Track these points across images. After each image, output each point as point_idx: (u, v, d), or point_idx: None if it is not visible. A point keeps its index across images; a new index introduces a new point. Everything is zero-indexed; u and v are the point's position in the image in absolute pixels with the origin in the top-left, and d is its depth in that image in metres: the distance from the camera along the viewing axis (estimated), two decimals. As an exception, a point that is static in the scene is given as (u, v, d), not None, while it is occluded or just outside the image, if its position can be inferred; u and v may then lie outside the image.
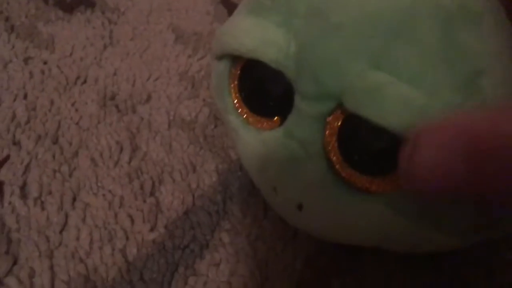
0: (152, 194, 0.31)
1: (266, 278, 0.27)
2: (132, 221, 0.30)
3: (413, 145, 0.15)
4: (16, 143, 0.34)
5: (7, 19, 0.43)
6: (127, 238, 0.29)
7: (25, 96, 0.37)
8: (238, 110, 0.24)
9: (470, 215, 0.19)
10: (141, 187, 0.31)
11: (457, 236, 0.20)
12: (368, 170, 0.20)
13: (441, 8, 0.18)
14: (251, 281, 0.27)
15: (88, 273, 0.27)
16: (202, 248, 0.29)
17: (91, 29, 0.43)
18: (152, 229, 0.29)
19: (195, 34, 0.42)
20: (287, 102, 0.21)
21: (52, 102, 0.36)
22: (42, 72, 0.39)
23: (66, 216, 0.30)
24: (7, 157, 0.33)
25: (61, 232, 0.29)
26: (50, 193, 0.31)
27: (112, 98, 0.37)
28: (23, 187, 0.31)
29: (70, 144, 0.34)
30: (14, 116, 0.35)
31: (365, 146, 0.19)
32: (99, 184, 0.32)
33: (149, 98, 0.37)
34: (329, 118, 0.20)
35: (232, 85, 0.24)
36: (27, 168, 0.32)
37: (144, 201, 0.31)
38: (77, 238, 0.29)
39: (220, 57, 0.24)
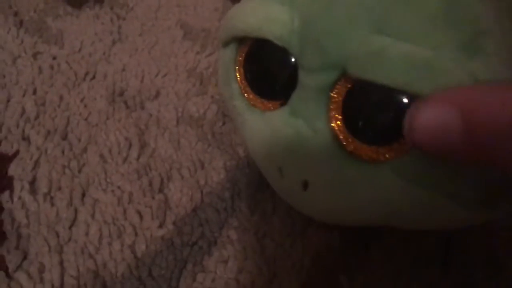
0: (160, 190, 0.31)
1: (274, 275, 0.27)
2: (141, 217, 0.30)
3: (417, 106, 0.16)
4: (25, 139, 0.34)
5: (16, 14, 0.43)
6: (136, 234, 0.29)
7: (34, 92, 0.37)
8: (244, 94, 0.24)
9: (476, 181, 0.19)
10: (150, 184, 0.31)
11: (466, 207, 0.20)
12: (374, 140, 0.20)
13: None
14: (259, 278, 0.27)
15: (97, 268, 0.28)
16: (210, 245, 0.29)
17: (99, 24, 0.43)
18: (160, 226, 0.29)
19: (204, 30, 0.42)
20: (291, 83, 0.21)
21: (61, 98, 0.37)
22: (51, 67, 0.39)
23: (76, 211, 0.30)
24: (17, 152, 0.33)
25: (70, 227, 0.29)
26: (59, 188, 0.31)
27: (121, 94, 0.37)
28: (32, 183, 0.31)
29: (79, 140, 0.34)
30: (23, 112, 0.35)
31: (370, 115, 0.20)
32: (108, 180, 0.32)
33: (157, 94, 0.37)
34: (333, 91, 0.20)
35: (238, 70, 0.24)
36: (36, 163, 0.32)
37: (153, 198, 0.31)
38: (87, 234, 0.29)
39: (227, 43, 0.25)
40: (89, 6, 0.45)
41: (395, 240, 0.28)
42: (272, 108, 0.23)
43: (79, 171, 0.32)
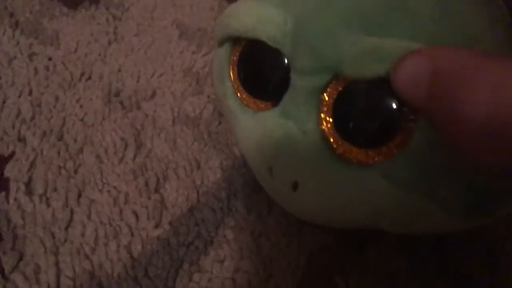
0: (156, 190, 0.31)
1: (270, 274, 0.27)
2: (137, 217, 0.30)
3: (398, 60, 0.17)
4: (21, 140, 0.34)
5: (11, 15, 0.43)
6: (132, 235, 0.29)
7: (30, 93, 0.37)
8: (237, 93, 0.24)
9: (463, 187, 0.19)
10: (146, 184, 0.31)
11: (453, 212, 0.20)
12: (363, 143, 0.20)
13: None
14: (255, 277, 0.27)
15: (94, 269, 0.28)
16: (206, 245, 0.29)
17: (95, 25, 0.43)
18: (157, 226, 0.29)
19: (200, 30, 0.42)
20: (283, 84, 0.21)
21: (57, 99, 0.36)
22: (47, 68, 0.39)
23: (72, 212, 0.30)
24: (12, 154, 0.33)
25: (66, 228, 0.29)
26: (55, 189, 0.31)
27: (117, 94, 0.37)
28: (28, 184, 0.31)
29: (75, 140, 0.34)
30: (19, 113, 0.35)
31: (360, 118, 0.20)
32: (104, 180, 0.32)
33: (153, 94, 0.37)
34: (324, 94, 0.20)
35: (232, 69, 0.25)
36: (32, 164, 0.32)
37: (149, 198, 0.31)
38: (83, 235, 0.29)
39: (222, 43, 0.25)
40: (85, 7, 0.45)
41: (391, 240, 0.28)
42: (264, 108, 0.23)
43: (75, 172, 0.32)
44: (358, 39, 0.19)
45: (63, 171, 0.32)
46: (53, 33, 0.42)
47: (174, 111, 0.36)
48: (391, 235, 0.28)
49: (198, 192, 0.31)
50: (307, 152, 0.21)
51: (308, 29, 0.20)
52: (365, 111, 0.19)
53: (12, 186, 0.31)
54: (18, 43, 0.41)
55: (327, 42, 0.19)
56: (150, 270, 0.28)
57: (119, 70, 0.39)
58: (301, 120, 0.21)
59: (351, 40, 0.19)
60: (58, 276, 0.27)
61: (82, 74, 0.38)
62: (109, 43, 0.41)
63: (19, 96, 0.36)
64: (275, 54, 0.21)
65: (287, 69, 0.21)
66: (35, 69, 0.39)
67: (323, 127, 0.20)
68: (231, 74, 0.25)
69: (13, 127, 0.34)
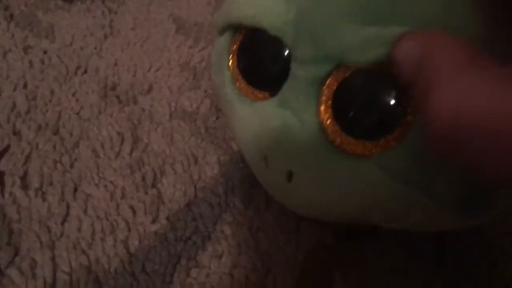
0: (154, 185, 0.31)
1: (268, 270, 0.27)
2: (134, 212, 0.30)
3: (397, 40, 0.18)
4: (16, 133, 0.33)
5: (6, 7, 0.43)
6: (129, 230, 0.29)
7: (25, 86, 0.36)
8: (235, 83, 0.24)
9: (457, 182, 0.19)
10: (143, 179, 0.31)
11: (446, 206, 0.20)
12: (361, 134, 0.20)
13: None
14: (253, 273, 0.27)
15: (90, 264, 0.27)
16: (204, 240, 0.29)
17: (91, 18, 0.42)
18: (154, 221, 0.29)
19: (196, 24, 0.42)
20: (283, 74, 0.21)
21: (52, 92, 0.36)
22: (42, 61, 0.38)
23: (68, 207, 0.30)
24: (8, 147, 0.32)
25: (62, 223, 0.29)
26: (51, 184, 0.31)
27: (113, 88, 0.37)
28: (24, 178, 0.31)
29: (71, 134, 0.34)
30: (14, 106, 0.35)
31: (359, 109, 0.20)
32: (100, 175, 0.31)
33: (150, 89, 0.37)
34: (324, 84, 0.20)
35: (231, 59, 0.24)
36: (27, 158, 0.32)
37: (146, 193, 0.30)
38: (79, 229, 0.29)
39: (223, 31, 0.25)
40: (81, 0, 0.44)
41: (389, 237, 0.28)
42: (262, 98, 0.23)
43: (71, 166, 0.32)
44: (360, 29, 0.19)
45: (59, 166, 0.32)
46: (48, 26, 0.41)
47: (171, 105, 0.36)
48: (390, 231, 0.28)
49: (195, 187, 0.31)
50: (304, 142, 0.21)
51: (310, 19, 0.20)
52: (365, 103, 0.19)
53: (8, 180, 0.31)
54: (13, 35, 0.40)
55: (329, 31, 0.19)
56: (148, 266, 0.27)
57: (115, 64, 0.39)
58: (299, 110, 0.21)
59: (353, 30, 0.19)
60: (54, 271, 0.27)
61: (78, 68, 0.38)
62: (105, 36, 0.41)
63: (14, 89, 0.36)
64: (276, 43, 0.21)
65: (287, 59, 0.21)
66: (30, 62, 0.38)
67: (322, 117, 0.20)
68: (230, 63, 0.24)
69: (8, 121, 0.34)
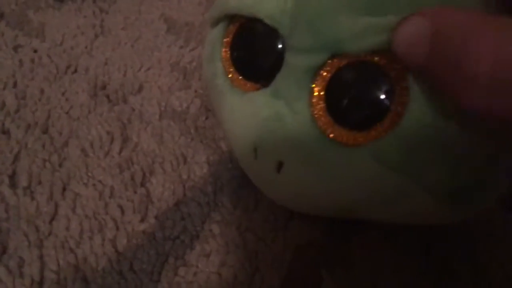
0: (142, 184, 0.31)
1: (256, 269, 0.28)
2: (123, 211, 0.30)
3: (400, 22, 0.17)
4: (5, 132, 0.33)
5: (-4, 6, 0.43)
6: (117, 229, 0.29)
7: (15, 85, 0.36)
8: (228, 74, 0.24)
9: (448, 172, 0.19)
10: (132, 178, 0.31)
11: (436, 196, 0.20)
12: (353, 124, 0.20)
13: None
14: (241, 272, 0.27)
15: (78, 263, 0.27)
16: (192, 239, 0.29)
17: (82, 18, 0.42)
18: (142, 220, 0.29)
19: (187, 24, 0.42)
20: (276, 65, 0.21)
21: (42, 91, 0.36)
22: (32, 60, 0.38)
23: (56, 206, 0.30)
24: (-4, 146, 0.32)
25: (50, 222, 0.29)
26: (39, 182, 0.31)
27: (103, 88, 0.37)
28: (12, 176, 0.31)
29: (60, 133, 0.34)
30: (3, 105, 0.35)
31: (352, 99, 0.20)
32: (89, 174, 0.31)
33: (140, 88, 0.37)
34: (318, 74, 0.20)
35: (224, 50, 0.24)
36: (16, 157, 0.32)
37: (135, 192, 0.31)
38: (67, 228, 0.29)
39: (216, 22, 0.25)
40: (72, -1, 0.44)
41: (377, 234, 0.29)
42: (254, 90, 0.23)
43: (60, 165, 0.32)
44: (358, 19, 0.19)
45: (47, 164, 0.32)
46: (39, 25, 0.41)
47: (161, 105, 0.36)
48: (377, 229, 0.28)
49: (184, 187, 0.31)
50: (295, 132, 0.21)
51: (308, 8, 0.20)
52: (357, 94, 0.20)
53: (-4, 178, 0.31)
54: (3, 34, 0.40)
55: (327, 20, 0.19)
56: (135, 264, 0.27)
57: (106, 64, 0.39)
58: (291, 100, 0.21)
59: (351, 19, 0.19)
60: (42, 270, 0.27)
61: (68, 67, 0.38)
62: (96, 36, 0.41)
63: (4, 88, 0.36)
64: (271, 34, 0.21)
65: (281, 51, 0.21)
66: (20, 61, 0.38)
67: (314, 107, 0.20)
68: (223, 54, 0.24)
69: (-3, 119, 0.34)
